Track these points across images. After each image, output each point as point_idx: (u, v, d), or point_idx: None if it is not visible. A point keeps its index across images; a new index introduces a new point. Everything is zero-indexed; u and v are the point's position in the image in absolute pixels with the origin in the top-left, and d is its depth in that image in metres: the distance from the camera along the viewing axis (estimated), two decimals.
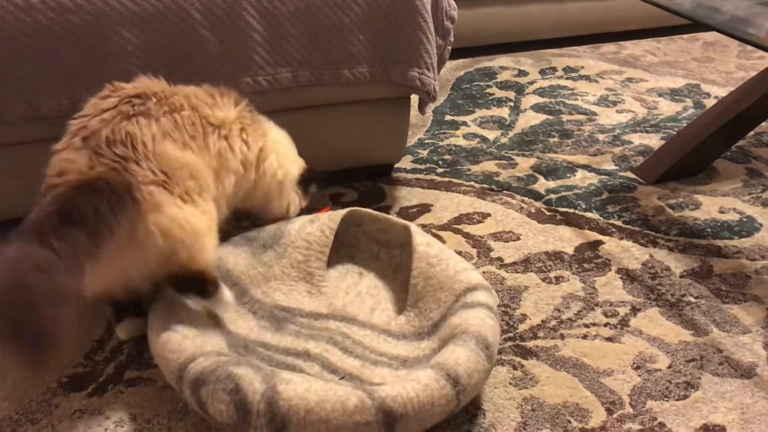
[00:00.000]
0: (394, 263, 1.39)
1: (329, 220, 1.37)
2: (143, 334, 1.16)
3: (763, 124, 2.12)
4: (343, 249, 1.42)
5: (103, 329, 1.27)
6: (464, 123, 2.13)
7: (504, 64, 2.62)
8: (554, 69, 2.58)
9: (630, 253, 1.51)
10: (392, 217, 1.41)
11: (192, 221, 1.07)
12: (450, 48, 1.64)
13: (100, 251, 0.95)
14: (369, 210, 1.43)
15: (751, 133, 2.05)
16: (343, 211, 1.39)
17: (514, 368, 1.20)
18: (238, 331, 1.22)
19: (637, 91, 2.39)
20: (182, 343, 1.04)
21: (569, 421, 1.10)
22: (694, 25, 1.46)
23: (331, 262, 1.38)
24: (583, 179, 1.82)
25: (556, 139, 2.03)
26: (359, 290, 1.36)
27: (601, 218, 1.64)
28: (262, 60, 1.41)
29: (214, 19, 1.35)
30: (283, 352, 1.19)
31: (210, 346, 1.08)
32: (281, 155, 1.36)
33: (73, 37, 1.27)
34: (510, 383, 1.17)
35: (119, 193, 0.99)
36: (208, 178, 1.15)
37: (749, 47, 2.73)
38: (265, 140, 1.32)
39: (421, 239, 1.32)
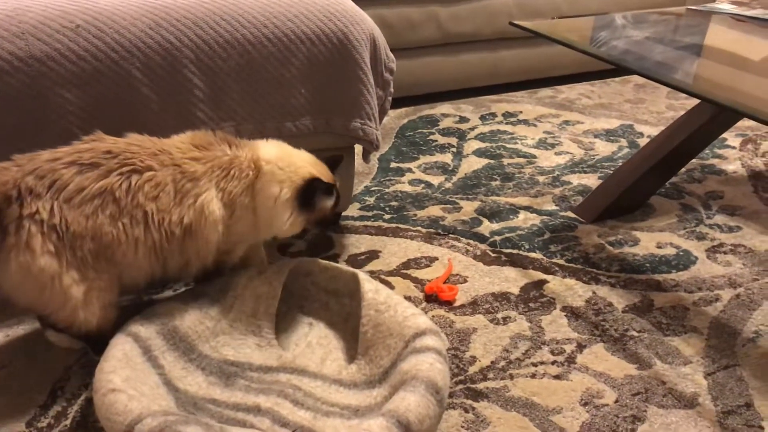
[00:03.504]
0: (344, 312, 1.39)
1: (276, 271, 1.37)
2: (69, 345, 1.30)
3: (694, 160, 2.22)
4: (292, 300, 1.42)
5: (46, 394, 1.23)
6: (409, 169, 2.17)
7: (445, 111, 2.69)
8: (494, 114, 2.66)
9: (573, 290, 1.55)
10: (341, 265, 1.42)
11: (59, 278, 1.12)
12: (391, 98, 1.69)
13: None
14: (317, 259, 1.44)
15: (683, 169, 2.14)
16: (291, 262, 1.40)
17: (466, 411, 1.21)
18: (186, 389, 1.20)
19: (574, 133, 2.48)
20: (128, 405, 1.02)
21: None
22: (625, 68, 1.54)
23: (280, 314, 1.37)
24: (525, 220, 1.86)
25: (498, 182, 2.08)
26: (309, 341, 1.36)
27: (545, 258, 1.68)
28: (205, 115, 1.42)
29: (155, 77, 1.36)
30: (233, 408, 1.17)
31: (157, 405, 1.06)
32: (267, 177, 1.30)
33: (12, 99, 1.27)
34: (462, 426, 1.18)
35: None
36: (124, 251, 1.18)
37: None
38: (254, 169, 1.30)
39: (369, 286, 1.33)
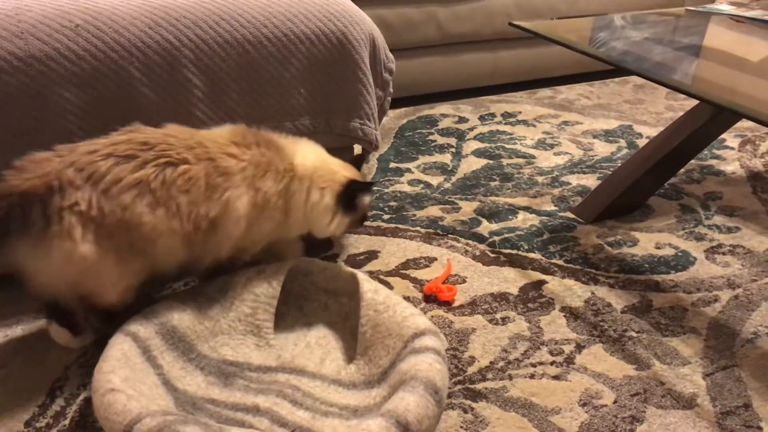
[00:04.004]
0: (343, 312, 1.39)
1: (275, 272, 1.37)
2: (68, 344, 1.31)
3: (693, 161, 2.22)
4: (291, 300, 1.42)
5: (45, 394, 1.23)
6: (408, 170, 2.17)
7: (444, 111, 2.69)
8: (493, 115, 2.66)
9: (572, 291, 1.55)
10: (339, 265, 1.42)
11: (97, 263, 1.16)
12: (390, 98, 1.69)
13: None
14: (316, 259, 1.44)
15: (682, 170, 2.15)
16: (290, 262, 1.40)
17: (465, 411, 1.21)
18: (185, 389, 1.20)
19: (573, 134, 2.48)
20: (127, 404, 1.02)
21: None
22: (623, 69, 1.54)
23: (279, 314, 1.37)
24: (524, 221, 1.87)
25: (497, 183, 2.09)
26: (308, 341, 1.36)
27: (544, 258, 1.68)
28: (204, 115, 1.42)
29: (154, 77, 1.36)
30: (232, 408, 1.17)
31: (156, 405, 1.06)
32: (308, 179, 1.36)
33: (11, 98, 1.27)
34: (461, 427, 1.18)
35: (29, 208, 1.11)
36: (159, 240, 1.21)
37: None
38: (291, 168, 1.34)
39: (368, 286, 1.33)
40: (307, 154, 1.38)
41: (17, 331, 1.39)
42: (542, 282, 1.59)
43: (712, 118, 1.75)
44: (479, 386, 1.27)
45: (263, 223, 1.33)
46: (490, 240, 1.77)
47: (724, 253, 1.72)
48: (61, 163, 1.15)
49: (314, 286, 1.43)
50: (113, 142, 1.19)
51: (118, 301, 1.25)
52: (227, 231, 1.28)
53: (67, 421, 1.18)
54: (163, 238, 1.21)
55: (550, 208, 1.94)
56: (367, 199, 1.45)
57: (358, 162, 1.48)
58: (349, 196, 1.39)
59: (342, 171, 1.40)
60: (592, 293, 1.55)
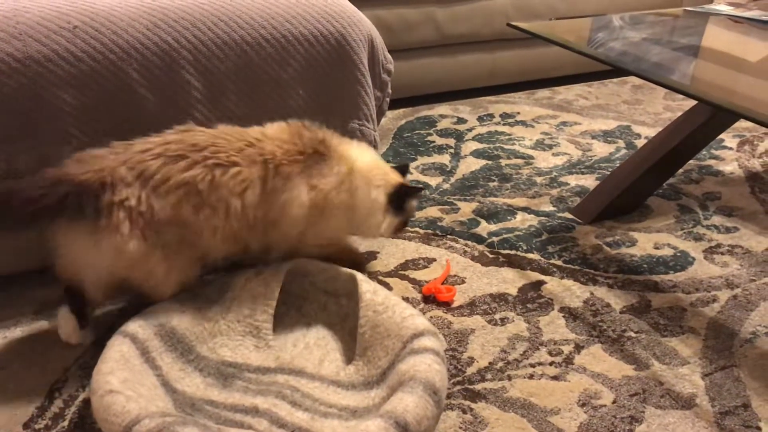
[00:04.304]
0: (342, 312, 1.39)
1: (274, 272, 1.37)
2: (69, 336, 1.33)
3: (691, 161, 2.22)
4: (290, 300, 1.42)
5: (44, 396, 1.23)
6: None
7: (443, 112, 2.69)
8: (491, 115, 2.66)
9: (571, 291, 1.55)
10: (338, 266, 1.42)
11: (145, 258, 1.21)
12: (388, 99, 1.69)
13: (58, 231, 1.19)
14: (315, 260, 1.44)
15: (681, 170, 2.15)
16: (289, 263, 1.40)
17: (464, 412, 1.21)
18: (184, 390, 1.20)
19: (572, 134, 2.48)
20: (126, 405, 1.02)
21: None
22: (622, 69, 1.54)
23: (278, 314, 1.37)
24: (523, 221, 1.87)
25: (495, 183, 2.09)
26: (307, 342, 1.36)
27: (542, 259, 1.68)
28: (202, 116, 1.42)
29: (153, 78, 1.36)
30: (231, 409, 1.17)
31: (155, 406, 1.06)
32: (365, 179, 1.41)
33: (9, 100, 1.26)
34: (460, 427, 1.18)
35: (84, 198, 1.15)
36: (204, 237, 1.27)
37: None
38: (348, 167, 1.38)
39: (367, 287, 1.33)
40: (363, 154, 1.43)
41: (16, 332, 1.39)
42: (541, 282, 1.59)
43: (710, 119, 1.75)
44: (478, 387, 1.27)
45: (329, 219, 1.38)
46: (489, 240, 1.77)
47: (722, 253, 1.72)
48: (115, 161, 1.20)
49: (313, 286, 1.43)
50: (166, 142, 1.24)
51: (168, 295, 1.30)
52: (285, 231, 1.34)
53: (65, 423, 1.18)
54: (210, 237, 1.27)
55: (549, 208, 1.94)
56: (414, 203, 1.50)
57: (403, 170, 1.52)
58: (400, 197, 1.44)
59: (391, 173, 1.46)
60: (591, 293, 1.55)
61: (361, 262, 1.57)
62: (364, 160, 1.42)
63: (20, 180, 1.24)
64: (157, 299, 1.30)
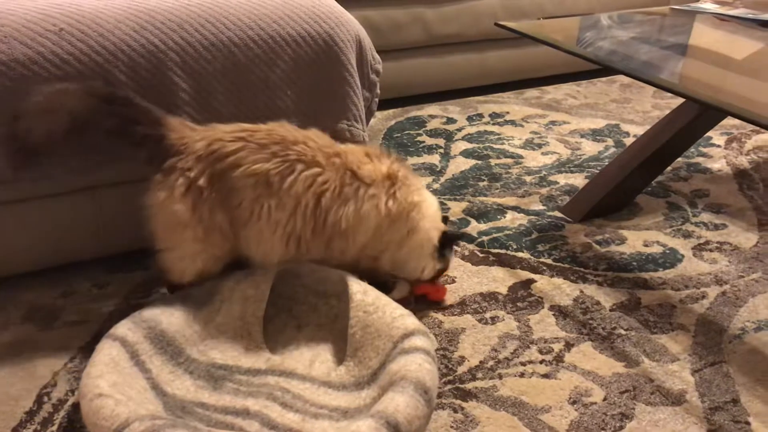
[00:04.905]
0: (332, 313, 1.39)
1: (264, 274, 1.36)
2: None
3: (680, 159, 2.24)
4: (280, 302, 1.41)
5: (32, 400, 1.22)
6: None
7: (433, 112, 2.69)
8: (481, 115, 2.67)
9: (561, 290, 1.56)
10: (328, 267, 1.41)
11: (182, 228, 1.25)
12: (377, 100, 1.69)
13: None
14: (305, 262, 1.43)
15: (669, 168, 2.16)
16: (278, 264, 1.39)
17: (455, 411, 1.21)
18: (174, 393, 1.19)
19: (561, 134, 2.49)
20: (116, 409, 1.01)
21: None
22: (610, 68, 1.55)
23: (268, 316, 1.37)
24: (513, 220, 1.87)
25: (485, 183, 2.09)
26: (298, 343, 1.35)
27: (532, 257, 1.69)
28: (190, 118, 1.41)
29: (140, 80, 1.35)
30: (222, 411, 1.17)
31: (145, 409, 1.06)
32: (429, 218, 1.41)
33: None
34: (451, 426, 1.18)
35: (160, 150, 1.23)
36: (260, 229, 1.29)
37: None
38: (418, 199, 1.39)
39: (357, 288, 1.33)
40: (427, 192, 1.44)
41: (5, 336, 1.38)
42: (531, 281, 1.59)
43: (698, 116, 1.76)
44: (469, 386, 1.27)
45: (393, 234, 1.38)
46: (479, 240, 1.77)
47: (711, 250, 1.73)
48: (198, 134, 1.26)
49: (303, 288, 1.42)
50: (254, 129, 1.27)
51: (183, 278, 1.32)
52: (353, 239, 1.34)
53: (54, 428, 1.17)
54: (269, 234, 1.28)
55: (539, 207, 1.95)
56: (452, 254, 1.50)
57: (444, 219, 1.50)
58: (444, 244, 1.44)
59: (438, 218, 1.46)
60: (581, 291, 1.55)
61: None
62: (429, 199, 1.43)
63: (143, 103, 1.28)
64: (171, 277, 1.33)
